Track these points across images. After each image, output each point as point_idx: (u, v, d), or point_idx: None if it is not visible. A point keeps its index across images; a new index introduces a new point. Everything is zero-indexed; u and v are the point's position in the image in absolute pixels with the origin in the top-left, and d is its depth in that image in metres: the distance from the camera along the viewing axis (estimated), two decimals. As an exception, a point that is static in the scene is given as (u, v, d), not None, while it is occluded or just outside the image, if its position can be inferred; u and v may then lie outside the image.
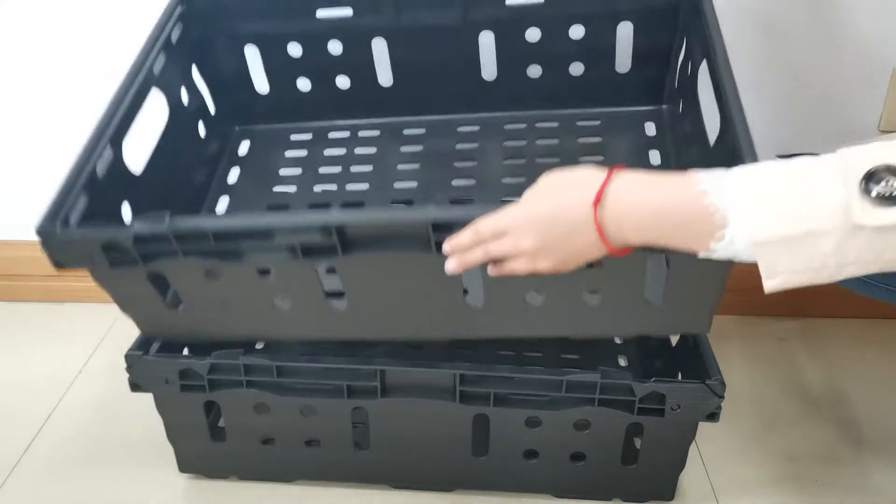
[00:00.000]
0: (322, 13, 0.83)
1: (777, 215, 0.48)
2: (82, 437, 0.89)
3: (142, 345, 0.74)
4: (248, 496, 0.81)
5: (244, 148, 0.92)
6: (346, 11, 0.83)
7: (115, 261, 0.62)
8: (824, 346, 1.06)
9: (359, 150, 0.89)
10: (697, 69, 0.74)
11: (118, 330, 1.08)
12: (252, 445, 0.78)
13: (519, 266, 0.57)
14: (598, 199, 0.52)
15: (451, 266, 0.58)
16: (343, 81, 0.88)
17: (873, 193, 0.45)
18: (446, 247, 0.58)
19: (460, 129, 0.90)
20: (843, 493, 0.82)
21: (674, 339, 0.86)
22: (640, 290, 0.63)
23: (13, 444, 0.87)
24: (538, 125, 0.88)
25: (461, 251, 0.57)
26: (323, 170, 0.88)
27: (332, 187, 0.86)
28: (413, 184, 0.85)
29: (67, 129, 1.04)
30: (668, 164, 0.82)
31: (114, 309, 1.10)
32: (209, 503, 0.80)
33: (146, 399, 0.76)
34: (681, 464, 0.78)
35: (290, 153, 0.90)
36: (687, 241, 0.51)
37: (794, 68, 0.96)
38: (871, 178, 0.46)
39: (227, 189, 0.88)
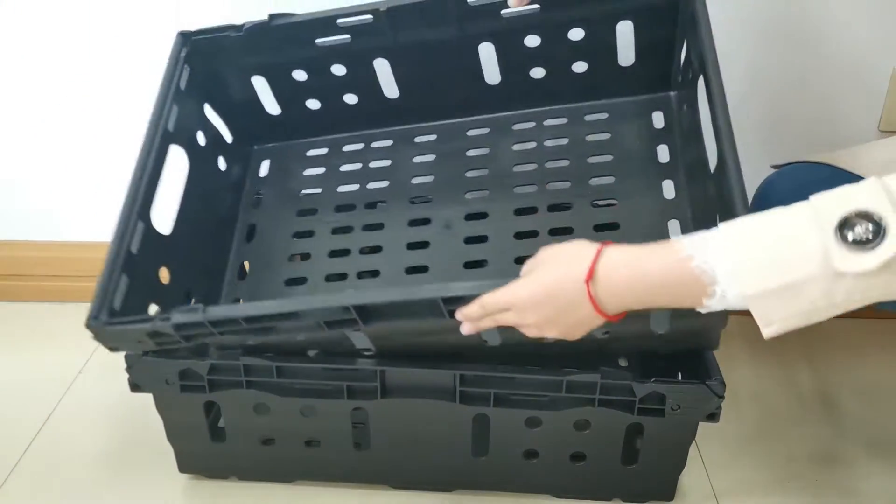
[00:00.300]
0: (321, 41, 0.84)
1: (761, 270, 0.50)
2: (82, 437, 0.89)
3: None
4: (248, 496, 0.81)
5: (264, 168, 0.94)
6: (345, 38, 0.84)
7: (161, 342, 0.69)
8: (824, 346, 1.06)
9: (374, 164, 0.92)
10: (699, 72, 0.74)
11: (118, 330, 1.08)
12: (252, 446, 0.78)
13: (529, 333, 0.61)
14: (590, 276, 0.56)
15: (465, 329, 0.63)
16: (350, 98, 0.90)
17: (850, 239, 0.47)
18: (458, 315, 0.63)
19: (470, 132, 0.91)
20: (844, 493, 0.82)
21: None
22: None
23: (13, 444, 0.87)
24: (546, 123, 0.89)
25: (472, 320, 0.62)
26: (342, 188, 0.91)
27: (352, 202, 0.90)
28: (428, 195, 0.88)
29: (67, 129, 1.04)
30: (675, 159, 0.83)
31: (114, 309, 1.12)
32: (209, 503, 0.80)
33: (146, 399, 0.76)
34: (681, 464, 0.78)
35: (308, 171, 0.93)
36: (681, 301, 0.54)
37: (795, 69, 0.96)
38: (844, 224, 0.48)
39: (255, 215, 0.91)
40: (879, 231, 0.47)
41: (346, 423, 0.76)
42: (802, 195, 0.51)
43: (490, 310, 0.61)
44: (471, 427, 0.75)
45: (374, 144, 0.93)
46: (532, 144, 0.88)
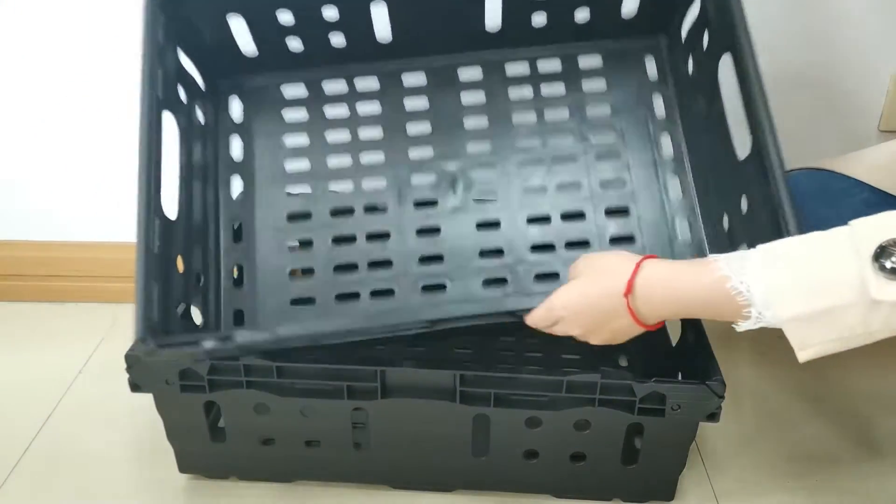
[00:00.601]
0: None
1: (797, 295, 0.51)
2: (82, 437, 0.89)
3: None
4: (248, 496, 0.81)
5: (237, 111, 0.88)
6: None
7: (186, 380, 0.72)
8: (824, 346, 1.05)
9: (362, 108, 0.87)
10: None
11: (118, 330, 1.08)
12: (252, 446, 0.78)
13: (578, 339, 0.66)
14: (629, 290, 0.59)
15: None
16: (337, 39, 0.85)
17: (888, 266, 0.48)
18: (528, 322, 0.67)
19: (461, 73, 0.88)
20: (844, 493, 0.82)
21: (674, 340, 0.86)
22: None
23: (13, 444, 0.87)
24: (540, 66, 0.87)
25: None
26: (331, 136, 0.87)
27: (346, 161, 0.86)
28: (429, 151, 0.86)
29: (67, 129, 1.04)
30: (670, 110, 0.84)
31: (114, 309, 1.12)
32: (209, 503, 0.80)
33: (146, 399, 0.76)
34: (681, 464, 0.78)
35: (290, 115, 0.88)
36: (718, 317, 0.56)
37: (794, 68, 0.96)
38: (882, 252, 0.48)
39: (237, 167, 0.87)
40: None
41: (347, 424, 0.76)
42: (805, 203, 0.51)
43: (539, 326, 0.66)
44: (471, 427, 0.75)
45: (359, 85, 0.87)
46: (528, 91, 0.87)
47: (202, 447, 0.79)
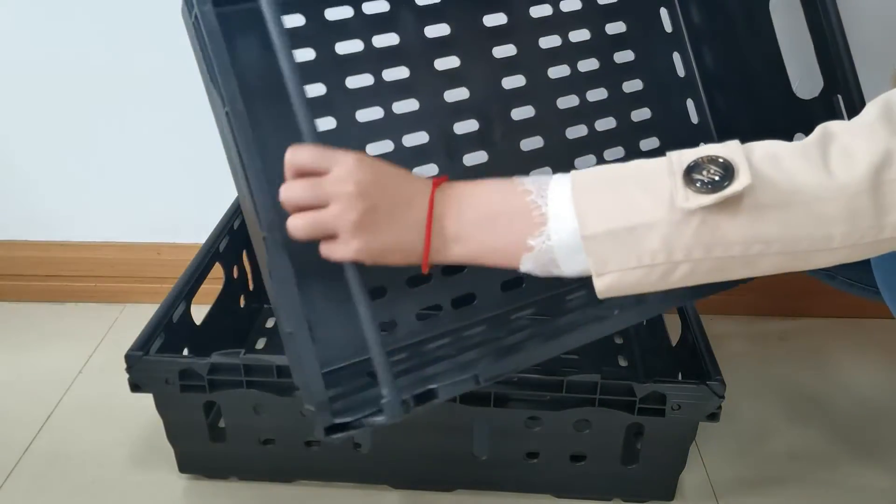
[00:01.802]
0: None
1: (601, 211, 0.48)
2: (82, 437, 0.89)
3: (142, 345, 0.74)
4: (248, 496, 0.81)
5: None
6: None
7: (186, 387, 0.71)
8: (824, 346, 1.06)
9: (379, 41, 0.73)
10: None
11: (118, 330, 1.08)
12: (252, 446, 0.78)
13: (338, 235, 0.51)
14: (435, 185, 0.52)
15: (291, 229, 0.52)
16: None
17: (696, 182, 0.46)
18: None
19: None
20: (843, 493, 0.82)
21: (674, 340, 0.86)
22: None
23: (13, 444, 0.87)
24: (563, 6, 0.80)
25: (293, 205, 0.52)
26: (351, 81, 0.72)
27: (379, 114, 0.72)
28: (465, 92, 0.76)
29: (67, 129, 1.04)
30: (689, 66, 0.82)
31: (114, 309, 1.12)
32: (209, 503, 0.80)
33: (146, 399, 0.76)
34: (681, 464, 0.78)
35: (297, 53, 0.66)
36: (506, 241, 0.50)
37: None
38: (693, 168, 0.47)
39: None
40: (728, 174, 0.46)
41: (346, 423, 0.76)
42: None
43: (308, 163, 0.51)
44: (471, 427, 0.75)
45: (367, 7, 0.72)
46: (557, 40, 0.80)
47: (202, 447, 0.79)
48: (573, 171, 0.50)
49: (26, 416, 0.91)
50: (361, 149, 0.72)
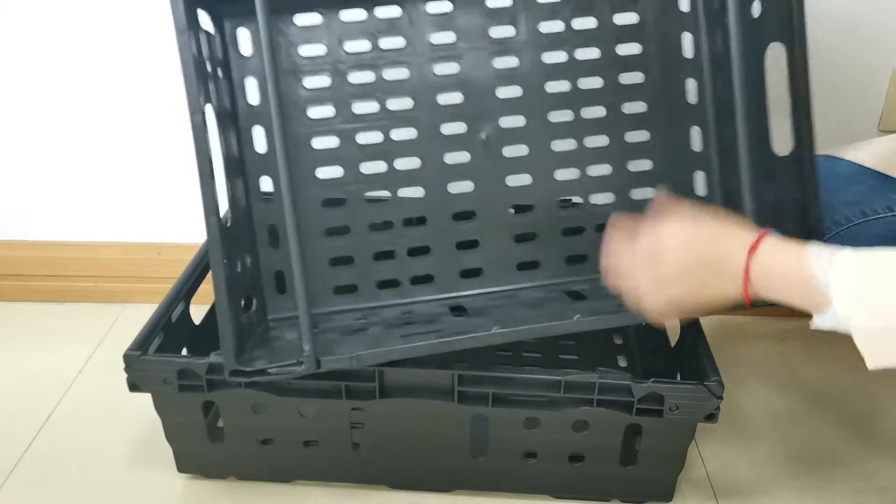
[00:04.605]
0: None
1: (873, 308, 0.51)
2: (82, 437, 0.89)
3: (140, 345, 0.74)
4: (247, 496, 0.81)
5: (246, 47, 0.79)
6: None
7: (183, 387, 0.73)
8: (824, 346, 1.05)
9: (385, 42, 0.80)
10: None
11: (118, 330, 1.08)
12: (250, 446, 0.79)
13: (629, 293, 0.63)
14: (754, 249, 0.56)
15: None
16: None
17: None
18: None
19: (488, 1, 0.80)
20: (843, 492, 0.82)
21: (672, 340, 0.86)
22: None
23: (13, 444, 0.87)
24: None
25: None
26: (354, 78, 0.80)
27: (374, 107, 0.80)
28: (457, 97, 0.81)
29: (68, 129, 1.04)
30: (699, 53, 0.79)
31: (114, 309, 1.12)
32: (208, 503, 0.80)
33: (146, 399, 0.76)
34: (680, 464, 0.78)
35: (305, 50, 0.80)
36: (802, 306, 0.55)
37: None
38: None
39: (256, 117, 0.79)
40: None
41: (345, 424, 0.76)
42: None
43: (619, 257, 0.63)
44: (469, 427, 0.75)
45: (379, 11, 0.79)
46: (560, 25, 0.80)
47: (201, 447, 0.79)
48: (853, 253, 0.53)
49: (26, 416, 0.91)
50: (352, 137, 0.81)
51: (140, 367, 0.73)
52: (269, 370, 0.68)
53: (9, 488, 0.82)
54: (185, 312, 0.84)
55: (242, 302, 0.76)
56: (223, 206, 0.72)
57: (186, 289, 0.85)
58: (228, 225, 0.75)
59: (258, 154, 0.80)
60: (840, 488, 0.83)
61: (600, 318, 0.69)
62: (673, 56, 0.80)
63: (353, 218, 0.82)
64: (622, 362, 0.97)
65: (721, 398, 0.70)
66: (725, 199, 0.79)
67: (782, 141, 0.68)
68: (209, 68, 0.72)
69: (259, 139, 0.80)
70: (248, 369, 0.68)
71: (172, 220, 1.09)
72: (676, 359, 0.83)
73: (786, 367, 1.02)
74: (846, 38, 0.94)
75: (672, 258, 0.58)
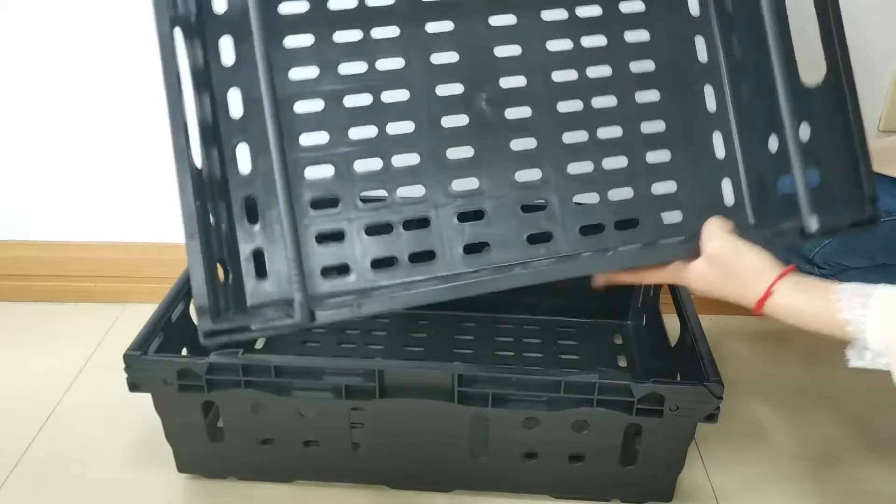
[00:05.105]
0: None
1: None
2: (82, 437, 0.89)
3: (140, 345, 0.74)
4: (247, 496, 0.81)
5: (229, 55, 0.74)
6: None
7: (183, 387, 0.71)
8: (824, 346, 1.05)
9: (382, 63, 0.76)
10: None
11: (118, 330, 1.08)
12: (250, 446, 0.79)
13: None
14: (759, 308, 0.62)
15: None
16: None
17: None
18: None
19: (492, 20, 0.77)
20: (843, 492, 0.82)
21: (672, 341, 0.86)
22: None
23: (13, 444, 0.87)
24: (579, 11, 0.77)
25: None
26: (350, 102, 0.76)
27: (367, 100, 0.76)
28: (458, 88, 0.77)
29: (68, 130, 1.04)
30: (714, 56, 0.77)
31: (114, 309, 1.12)
32: (208, 503, 0.80)
33: (146, 399, 0.76)
34: (680, 464, 0.78)
35: (296, 74, 0.76)
36: (828, 336, 0.60)
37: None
38: None
39: (238, 128, 0.74)
40: None
41: (345, 424, 0.76)
42: None
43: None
44: (469, 427, 0.75)
45: (376, 32, 0.75)
46: (568, 44, 0.77)
47: (201, 447, 0.79)
48: (882, 293, 0.57)
49: (26, 416, 0.91)
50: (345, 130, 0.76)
51: (140, 367, 0.73)
52: (252, 327, 0.63)
53: (9, 488, 0.82)
54: (185, 312, 0.84)
55: (220, 270, 0.70)
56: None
57: (186, 289, 0.85)
58: (202, 177, 0.69)
59: (234, 119, 0.74)
60: (839, 488, 0.83)
61: (638, 250, 0.68)
62: (680, 15, 0.77)
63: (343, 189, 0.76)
64: (622, 362, 0.97)
65: (721, 398, 0.70)
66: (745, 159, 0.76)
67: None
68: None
69: (235, 103, 0.74)
70: (226, 327, 0.62)
71: (172, 220, 1.08)
72: (676, 359, 0.83)
73: (786, 367, 1.02)
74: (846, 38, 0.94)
75: (698, 293, 0.68)
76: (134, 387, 0.74)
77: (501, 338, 0.98)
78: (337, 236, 0.76)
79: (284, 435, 0.78)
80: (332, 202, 0.76)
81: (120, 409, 0.91)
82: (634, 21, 0.77)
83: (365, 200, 0.77)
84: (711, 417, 0.71)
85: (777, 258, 0.63)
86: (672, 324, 0.86)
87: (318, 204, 0.76)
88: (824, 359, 1.03)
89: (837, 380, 0.99)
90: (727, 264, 0.64)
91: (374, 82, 0.76)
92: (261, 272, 0.74)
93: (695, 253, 0.66)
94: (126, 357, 0.73)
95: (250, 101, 0.73)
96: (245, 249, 0.73)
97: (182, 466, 0.82)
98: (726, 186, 0.76)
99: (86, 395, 0.95)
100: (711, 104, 0.77)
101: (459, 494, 0.81)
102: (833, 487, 0.83)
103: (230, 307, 0.68)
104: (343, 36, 0.76)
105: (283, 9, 0.75)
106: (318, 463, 0.80)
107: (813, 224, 0.65)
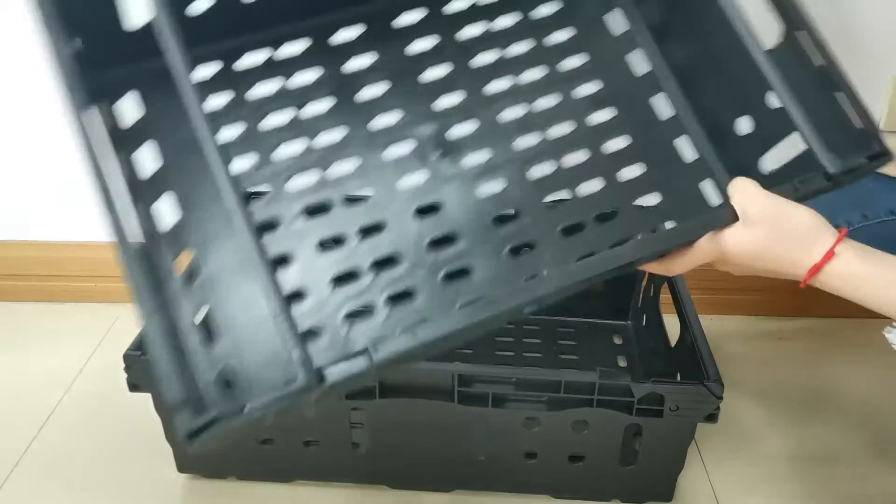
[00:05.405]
0: None
1: None
2: (82, 437, 0.89)
3: (140, 345, 0.74)
4: (247, 496, 0.81)
5: (131, 112, 0.64)
6: None
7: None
8: (824, 346, 1.05)
9: (298, 79, 0.66)
10: None
11: (118, 330, 1.08)
12: (250, 446, 0.79)
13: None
14: (814, 273, 0.55)
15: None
16: None
17: None
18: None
19: (414, 46, 0.69)
20: (843, 493, 0.82)
21: (672, 340, 0.86)
22: None
23: (13, 444, 0.87)
24: (497, 22, 0.71)
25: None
26: (271, 119, 0.65)
27: (300, 148, 0.65)
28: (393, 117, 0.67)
29: (68, 130, 1.04)
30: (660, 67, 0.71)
31: (114, 309, 1.12)
32: (208, 503, 0.80)
33: (146, 399, 0.76)
34: (680, 464, 0.78)
35: (210, 104, 0.64)
36: (883, 310, 0.56)
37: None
38: None
39: (160, 181, 0.61)
40: None
41: (345, 423, 0.76)
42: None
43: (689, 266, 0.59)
44: (469, 427, 0.75)
45: (286, 51, 0.66)
46: (509, 82, 0.70)
47: (201, 447, 0.79)
48: None
49: (26, 416, 0.91)
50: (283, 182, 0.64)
51: (140, 367, 0.73)
52: (251, 407, 0.47)
53: (9, 488, 0.82)
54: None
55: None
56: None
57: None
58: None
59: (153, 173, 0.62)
60: (839, 489, 0.83)
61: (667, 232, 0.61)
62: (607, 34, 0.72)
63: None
64: (622, 362, 0.97)
65: (721, 398, 0.70)
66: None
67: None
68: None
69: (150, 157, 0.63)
70: (213, 416, 0.47)
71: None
72: (676, 359, 0.83)
73: (786, 367, 1.02)
74: (846, 40, 0.94)
75: (730, 267, 0.59)
76: (134, 387, 0.74)
77: (501, 338, 0.98)
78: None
79: (284, 435, 0.78)
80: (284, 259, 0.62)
81: (120, 408, 0.91)
82: (568, 50, 0.72)
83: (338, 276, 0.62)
84: (711, 417, 0.71)
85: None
86: (672, 324, 0.86)
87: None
88: (824, 359, 1.03)
89: (837, 380, 0.99)
90: (777, 226, 0.55)
91: (314, 157, 0.65)
92: (213, 334, 0.58)
93: (730, 219, 0.57)
94: (126, 357, 0.73)
95: (172, 150, 0.62)
96: (191, 313, 0.56)
97: (182, 466, 0.82)
98: (708, 186, 0.69)
99: (86, 395, 0.95)
100: (668, 110, 0.71)
101: (459, 494, 0.81)
102: (833, 488, 0.83)
103: (209, 390, 0.51)
104: (273, 120, 0.65)
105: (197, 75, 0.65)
106: (317, 463, 0.80)
107: (834, 164, 0.59)
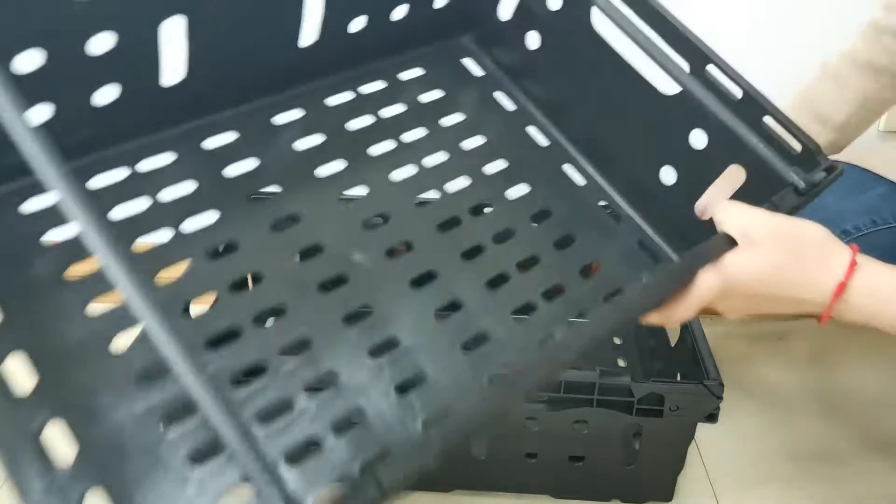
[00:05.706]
0: None
1: None
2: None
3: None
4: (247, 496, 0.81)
5: None
6: None
7: None
8: (824, 346, 1.05)
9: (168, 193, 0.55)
10: None
11: (118, 330, 1.08)
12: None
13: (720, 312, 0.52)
14: (839, 293, 0.48)
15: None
16: (109, 92, 0.51)
17: None
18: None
19: (278, 118, 0.61)
20: (843, 493, 0.82)
21: (672, 340, 0.86)
22: None
23: (13, 445, 0.87)
24: (362, 90, 0.65)
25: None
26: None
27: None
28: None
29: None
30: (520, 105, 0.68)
31: (114, 309, 1.12)
32: None
33: (145, 400, 0.76)
34: (680, 464, 0.78)
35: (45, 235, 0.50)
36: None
37: (794, 69, 0.96)
38: None
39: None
40: None
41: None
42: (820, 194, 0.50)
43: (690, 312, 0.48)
44: (469, 427, 0.75)
45: (144, 165, 0.55)
46: (413, 169, 0.62)
47: (200, 448, 0.79)
48: None
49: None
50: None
51: (140, 368, 0.73)
52: None
53: (9, 488, 0.82)
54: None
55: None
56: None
57: None
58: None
59: None
60: (840, 489, 0.83)
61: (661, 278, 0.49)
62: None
63: None
64: (622, 362, 0.97)
65: (721, 398, 0.70)
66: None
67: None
68: None
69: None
70: None
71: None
72: (676, 359, 0.83)
73: (786, 367, 1.02)
74: (846, 38, 0.94)
75: (736, 305, 0.50)
76: (134, 387, 0.74)
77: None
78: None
79: (284, 435, 0.77)
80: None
81: (120, 409, 0.91)
82: (464, 131, 0.66)
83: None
84: (711, 417, 0.71)
85: None
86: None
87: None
88: (824, 358, 1.03)
89: (837, 380, 0.99)
90: (788, 245, 0.47)
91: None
92: None
93: (726, 246, 0.49)
94: (126, 357, 0.73)
95: None
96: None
97: (182, 467, 0.82)
98: (646, 242, 0.64)
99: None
100: (578, 178, 0.66)
101: (459, 494, 0.81)
102: (833, 488, 0.83)
103: None
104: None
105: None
106: (317, 463, 0.80)
107: (798, 177, 0.54)
